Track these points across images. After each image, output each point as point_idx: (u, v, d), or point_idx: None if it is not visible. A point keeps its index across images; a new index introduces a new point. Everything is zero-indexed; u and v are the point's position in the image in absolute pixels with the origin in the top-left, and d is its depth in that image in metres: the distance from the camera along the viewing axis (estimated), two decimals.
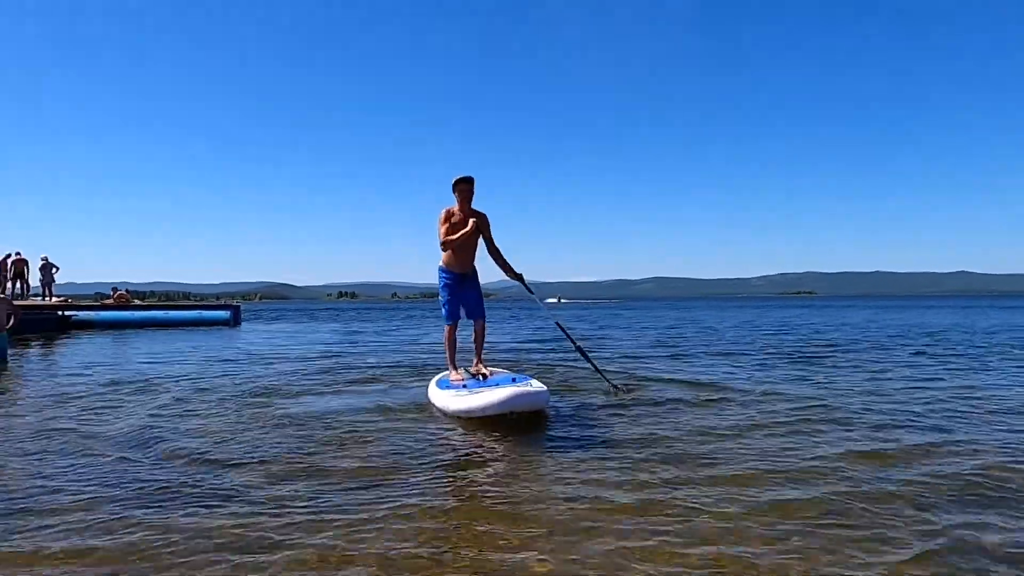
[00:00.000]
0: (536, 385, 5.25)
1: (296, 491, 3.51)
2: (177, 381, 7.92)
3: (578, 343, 6.91)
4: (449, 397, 5.44)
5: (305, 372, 8.88)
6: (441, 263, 6.09)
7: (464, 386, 5.48)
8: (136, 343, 15.14)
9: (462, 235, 5.82)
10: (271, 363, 10.15)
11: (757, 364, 9.48)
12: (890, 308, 43.92)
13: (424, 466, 4.00)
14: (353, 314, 44.52)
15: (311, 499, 3.38)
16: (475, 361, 6.15)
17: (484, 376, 5.77)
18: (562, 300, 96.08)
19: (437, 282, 6.15)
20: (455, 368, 6.15)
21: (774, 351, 11.64)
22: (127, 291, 27.65)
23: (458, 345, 6.29)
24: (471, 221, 5.82)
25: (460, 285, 6.07)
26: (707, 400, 6.24)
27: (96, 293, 25.53)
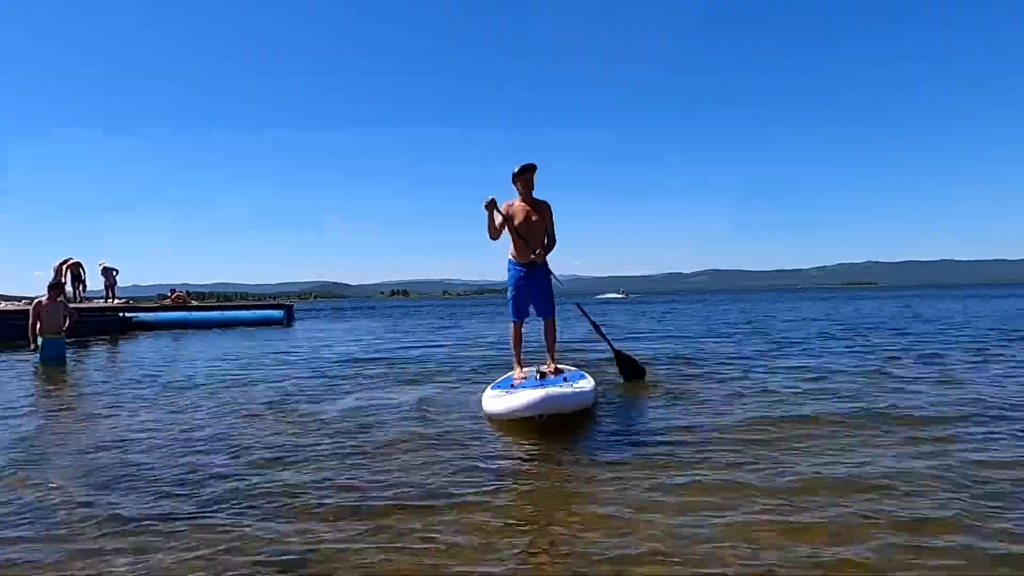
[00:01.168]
0: (580, 385, 5.03)
1: (323, 503, 3.30)
2: (224, 382, 7.89)
3: (595, 321, 6.98)
4: (489, 398, 5.17)
5: (350, 372, 8.76)
6: (509, 254, 5.89)
7: (512, 386, 5.27)
8: (193, 343, 15.32)
9: (491, 220, 5.64)
10: (316, 363, 10.08)
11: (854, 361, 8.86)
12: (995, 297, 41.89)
13: (460, 475, 3.76)
14: (406, 311, 44.79)
15: (340, 512, 3.17)
16: (548, 360, 5.93)
17: (543, 375, 5.57)
18: (629, 295, 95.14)
19: (506, 276, 5.94)
20: (520, 366, 5.90)
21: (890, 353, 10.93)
22: (187, 292, 28.22)
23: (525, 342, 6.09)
24: (489, 200, 5.63)
25: (528, 279, 5.81)
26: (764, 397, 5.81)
27: (158, 295, 26.16)
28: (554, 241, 5.87)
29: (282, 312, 24.22)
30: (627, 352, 7.08)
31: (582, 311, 7.03)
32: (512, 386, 5.28)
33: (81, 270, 22.67)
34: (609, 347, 6.97)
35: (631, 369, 6.86)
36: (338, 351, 12.38)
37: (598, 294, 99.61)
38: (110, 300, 23.64)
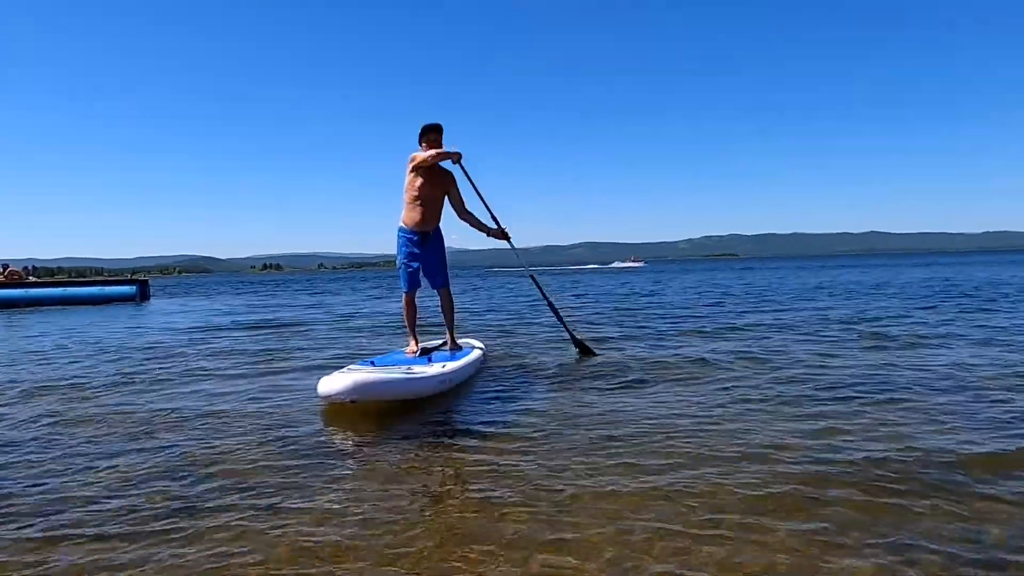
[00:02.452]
0: (421, 370, 4.67)
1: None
2: (34, 368, 6.76)
3: (552, 301, 6.51)
4: (325, 377, 4.52)
5: (196, 354, 7.77)
6: (400, 222, 5.53)
7: (372, 362, 4.95)
8: (25, 324, 13.61)
9: (418, 158, 5.34)
10: (151, 345, 8.97)
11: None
12: (875, 267, 44.76)
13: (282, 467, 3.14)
14: (277, 286, 42.64)
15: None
16: (448, 336, 5.76)
17: (426, 351, 5.47)
18: (645, 261, 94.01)
19: (396, 244, 5.60)
20: (415, 338, 5.64)
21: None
22: (32, 267, 25.43)
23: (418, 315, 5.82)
24: (432, 153, 5.34)
25: (421, 247, 5.50)
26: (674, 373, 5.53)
27: None
28: (469, 211, 5.70)
29: (134, 288, 22.13)
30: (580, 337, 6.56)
31: (539, 288, 6.44)
32: (371, 363, 4.96)
33: None
34: (564, 328, 6.52)
35: (582, 349, 6.41)
36: (185, 328, 11.19)
37: (571, 264, 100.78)
38: None
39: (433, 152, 5.33)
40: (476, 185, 5.67)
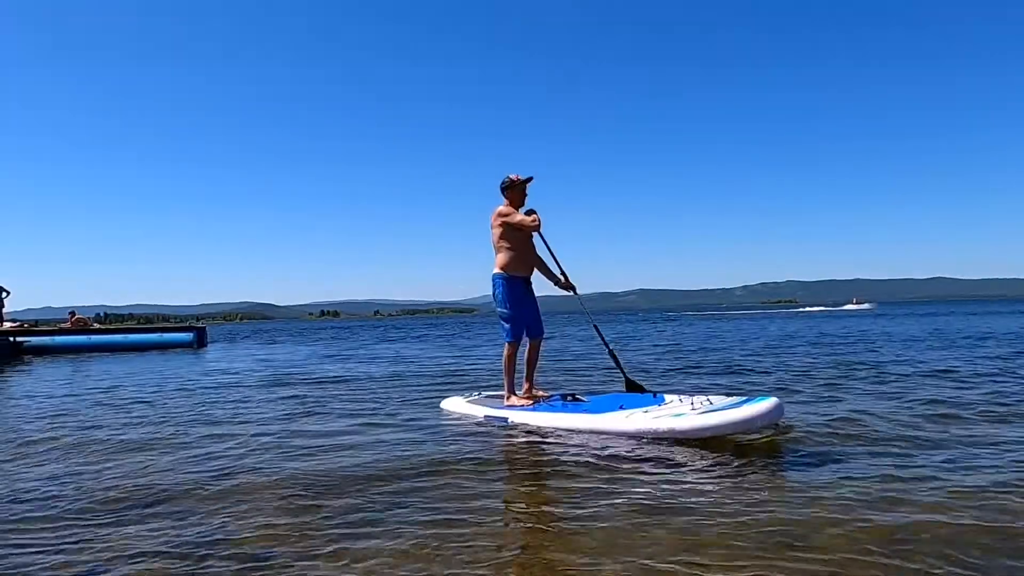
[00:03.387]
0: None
1: None
2: (82, 416, 6.55)
3: (610, 346, 6.18)
4: (664, 418, 4.37)
5: (245, 404, 7.51)
6: (499, 268, 5.36)
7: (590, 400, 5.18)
8: (90, 370, 13.79)
9: (526, 223, 5.28)
10: (204, 393, 8.78)
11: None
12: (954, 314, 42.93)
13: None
14: (336, 332, 42.94)
15: None
16: (526, 385, 5.49)
17: (535, 399, 5.33)
18: (871, 305, 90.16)
19: (494, 292, 5.38)
20: (513, 393, 5.44)
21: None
22: (103, 314, 26.09)
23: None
24: (530, 221, 5.35)
25: (525, 294, 5.42)
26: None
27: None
28: (540, 259, 5.67)
29: (191, 335, 22.36)
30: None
31: (599, 333, 6.19)
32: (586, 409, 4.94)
33: None
34: (621, 372, 6.09)
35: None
36: (239, 378, 11.02)
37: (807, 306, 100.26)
38: None
39: (531, 220, 5.30)
40: (546, 240, 5.66)
